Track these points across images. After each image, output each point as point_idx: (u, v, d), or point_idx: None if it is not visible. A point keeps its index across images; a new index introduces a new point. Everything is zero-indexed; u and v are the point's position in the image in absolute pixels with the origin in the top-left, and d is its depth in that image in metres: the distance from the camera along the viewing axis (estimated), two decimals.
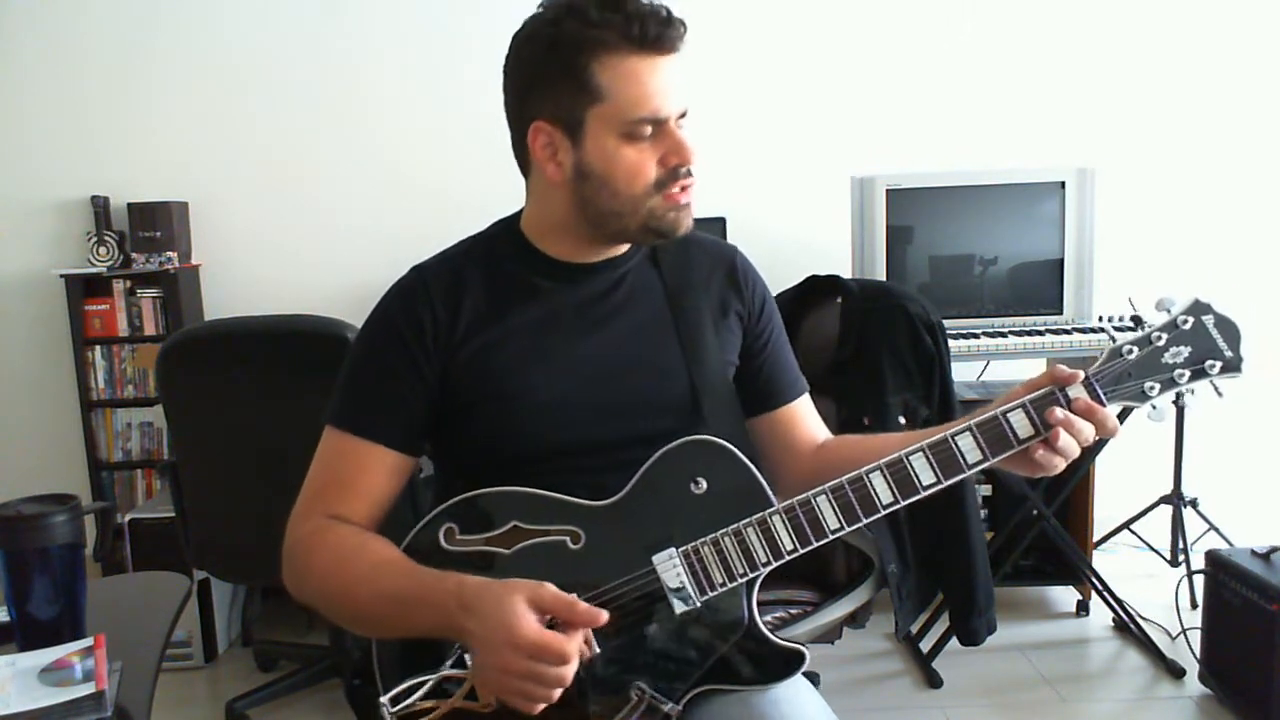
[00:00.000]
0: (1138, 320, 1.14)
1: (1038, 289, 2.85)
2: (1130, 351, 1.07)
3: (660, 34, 1.04)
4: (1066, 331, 2.73)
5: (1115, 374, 1.07)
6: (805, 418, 1.29)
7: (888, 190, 2.80)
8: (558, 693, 0.96)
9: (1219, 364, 1.07)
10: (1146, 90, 3.32)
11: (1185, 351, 1.06)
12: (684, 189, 1.10)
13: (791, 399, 1.28)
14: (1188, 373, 1.07)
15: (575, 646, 0.96)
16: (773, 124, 3.29)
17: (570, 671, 0.96)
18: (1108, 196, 2.90)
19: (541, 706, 0.97)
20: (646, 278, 1.21)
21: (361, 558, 1.07)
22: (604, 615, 0.98)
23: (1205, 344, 1.07)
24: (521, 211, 1.22)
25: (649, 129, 1.07)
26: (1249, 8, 3.31)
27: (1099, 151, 3.16)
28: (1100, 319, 2.79)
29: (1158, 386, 1.06)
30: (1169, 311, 1.09)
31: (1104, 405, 1.05)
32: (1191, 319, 1.07)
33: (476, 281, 1.17)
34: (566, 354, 1.15)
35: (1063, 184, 2.80)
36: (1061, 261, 2.82)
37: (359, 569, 1.06)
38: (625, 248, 1.20)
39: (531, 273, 1.18)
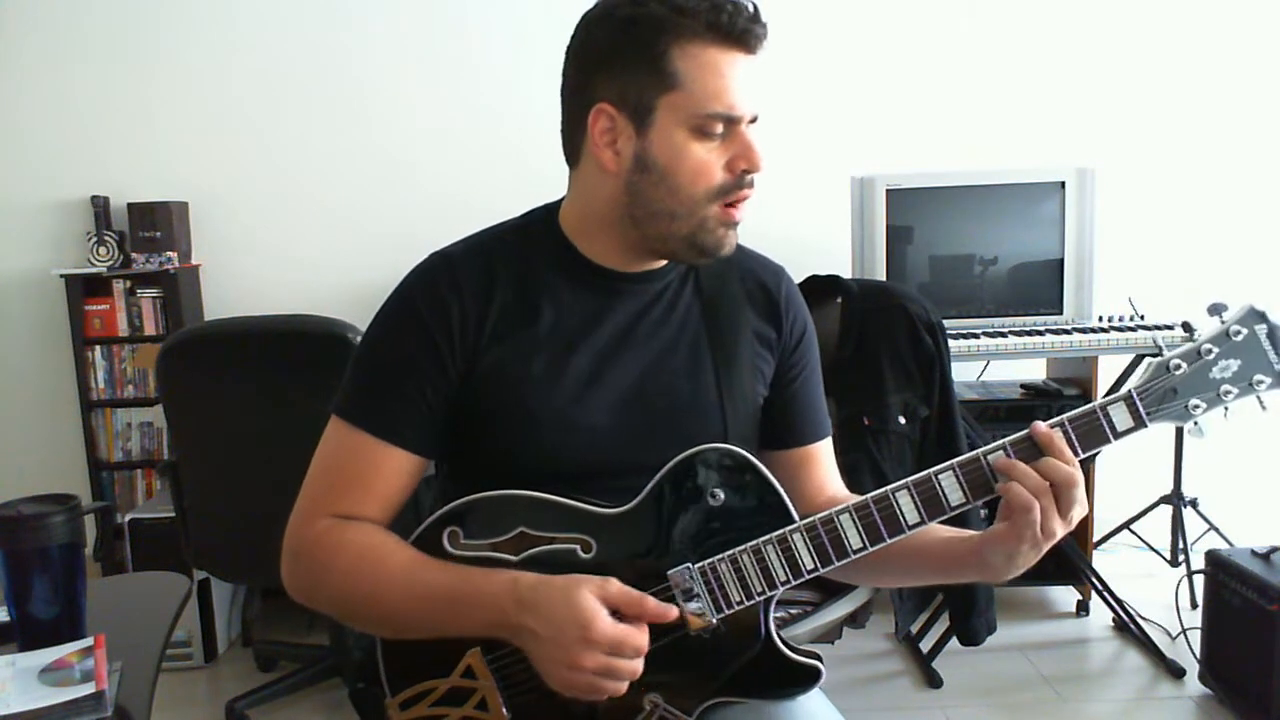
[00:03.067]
0: (1187, 326, 1.07)
1: (1038, 289, 2.85)
2: (1178, 367, 0.99)
3: (748, 29, 0.99)
4: (1066, 331, 2.73)
5: (1160, 392, 0.99)
6: (819, 463, 1.21)
7: (888, 190, 2.79)
8: (626, 685, 0.96)
9: (1268, 380, 0.99)
10: (1146, 90, 3.32)
11: (1234, 366, 0.99)
12: (739, 203, 1.05)
13: (809, 441, 1.20)
14: (1235, 390, 0.99)
15: (646, 638, 0.96)
16: (773, 124, 3.28)
17: (641, 663, 0.96)
18: (1108, 196, 2.89)
19: (606, 696, 0.96)
20: (685, 295, 1.15)
21: (393, 556, 1.03)
22: (674, 611, 0.98)
23: (1255, 357, 0.99)
24: (560, 203, 1.15)
25: (721, 126, 1.01)
26: (1249, 8, 3.31)
27: (1099, 151, 3.16)
28: (1100, 319, 2.79)
29: (1203, 405, 0.99)
30: (1221, 319, 1.00)
31: (1145, 425, 0.99)
32: (1245, 330, 0.99)
33: (508, 278, 1.09)
34: (598, 372, 1.09)
35: (1063, 184, 2.79)
36: (1061, 261, 2.82)
37: (390, 568, 1.02)
38: (664, 260, 1.13)
39: (567, 277, 1.10)
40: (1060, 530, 0.97)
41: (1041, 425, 0.98)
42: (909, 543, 1.05)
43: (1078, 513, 0.97)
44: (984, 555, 1.02)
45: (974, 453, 1.00)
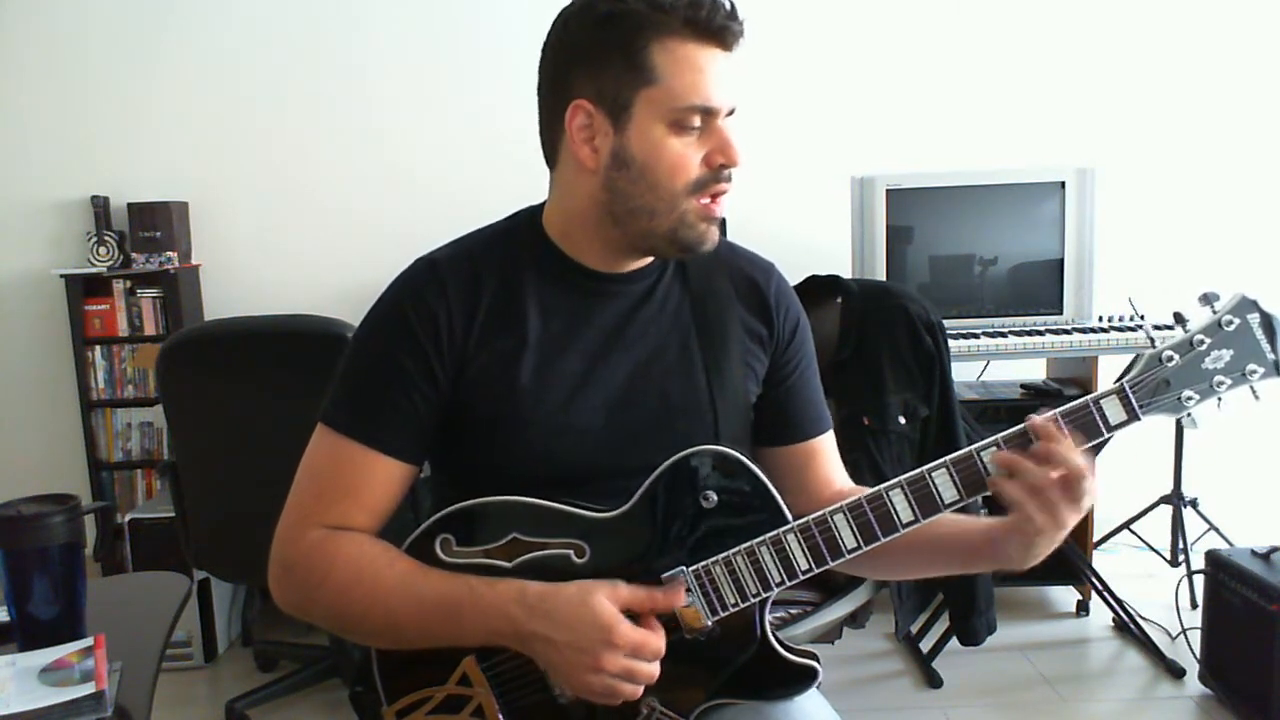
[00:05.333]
0: (1179, 317, 1.05)
1: (1038, 289, 2.85)
2: (1170, 359, 0.98)
3: (724, 26, 1.00)
4: (1066, 331, 2.73)
5: (1153, 384, 0.98)
6: (823, 458, 1.20)
7: (888, 190, 2.80)
8: (641, 689, 0.97)
9: (1261, 369, 0.98)
10: (1146, 90, 3.32)
11: (1227, 356, 0.98)
12: (718, 197, 1.04)
13: (810, 436, 1.19)
14: (1228, 380, 0.98)
15: (663, 642, 0.98)
16: (773, 124, 3.29)
17: (658, 668, 0.97)
18: (1108, 196, 2.89)
19: (621, 700, 0.97)
20: (674, 294, 1.14)
21: (391, 566, 1.02)
22: (681, 592, 0.99)
23: (1248, 347, 0.98)
24: (544, 205, 1.14)
25: (698, 119, 1.01)
26: (1249, 8, 3.31)
27: (1099, 151, 3.16)
28: (1100, 319, 2.79)
29: (1196, 397, 0.98)
30: (1213, 309, 0.99)
31: (1139, 418, 0.98)
32: (1237, 320, 0.98)
33: (493, 282, 1.08)
34: (587, 374, 1.08)
35: (1063, 184, 2.80)
36: (1061, 261, 2.82)
37: (388, 579, 1.01)
38: (650, 259, 1.13)
39: (553, 279, 1.10)
40: (1074, 519, 0.97)
41: (1039, 419, 0.98)
42: (926, 534, 1.05)
43: (1088, 501, 0.97)
44: (999, 546, 1.02)
45: (967, 449, 1.00)
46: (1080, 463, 0.96)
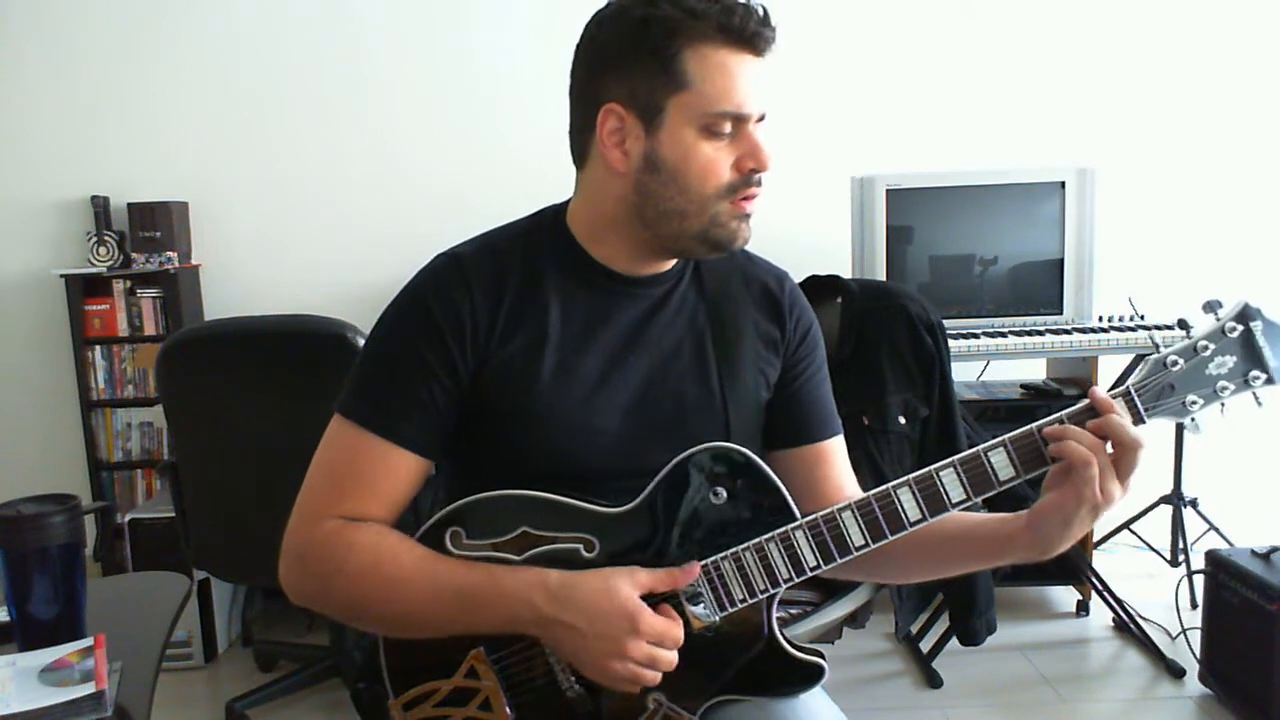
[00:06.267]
0: (1183, 323, 1.06)
1: (1038, 289, 2.85)
2: (1175, 364, 1.00)
3: (757, 32, 1.00)
4: (1066, 331, 2.73)
5: (1157, 388, 1.00)
6: (832, 461, 1.20)
7: (888, 190, 2.80)
8: (660, 676, 0.99)
9: (1263, 376, 1.00)
10: (1146, 90, 3.32)
11: (1230, 362, 1.00)
12: (749, 198, 1.05)
13: (820, 438, 1.19)
14: (1231, 386, 1.00)
15: (682, 631, 0.99)
16: (773, 124, 3.28)
17: (676, 656, 0.99)
18: (1108, 196, 2.89)
19: (640, 687, 0.99)
20: (690, 298, 1.15)
21: (408, 554, 1.03)
22: (696, 568, 1.01)
23: (1251, 353, 1.00)
24: (568, 204, 1.15)
25: (729, 125, 1.02)
26: (1249, 8, 3.31)
27: (1099, 151, 3.16)
28: (1100, 319, 2.79)
29: (1200, 402, 1.00)
30: (1216, 316, 1.01)
31: (1144, 421, 0.99)
32: (1239, 326, 1.00)
33: (517, 278, 1.09)
34: (606, 375, 1.09)
35: (1063, 184, 2.80)
36: (1061, 261, 2.82)
37: (406, 567, 1.02)
38: (672, 263, 1.14)
39: (575, 279, 1.11)
40: (1118, 494, 0.97)
41: (1100, 391, 0.99)
42: (951, 529, 1.06)
43: (1137, 473, 0.98)
44: (1037, 527, 1.02)
45: (974, 449, 1.00)
46: (1134, 434, 0.97)
